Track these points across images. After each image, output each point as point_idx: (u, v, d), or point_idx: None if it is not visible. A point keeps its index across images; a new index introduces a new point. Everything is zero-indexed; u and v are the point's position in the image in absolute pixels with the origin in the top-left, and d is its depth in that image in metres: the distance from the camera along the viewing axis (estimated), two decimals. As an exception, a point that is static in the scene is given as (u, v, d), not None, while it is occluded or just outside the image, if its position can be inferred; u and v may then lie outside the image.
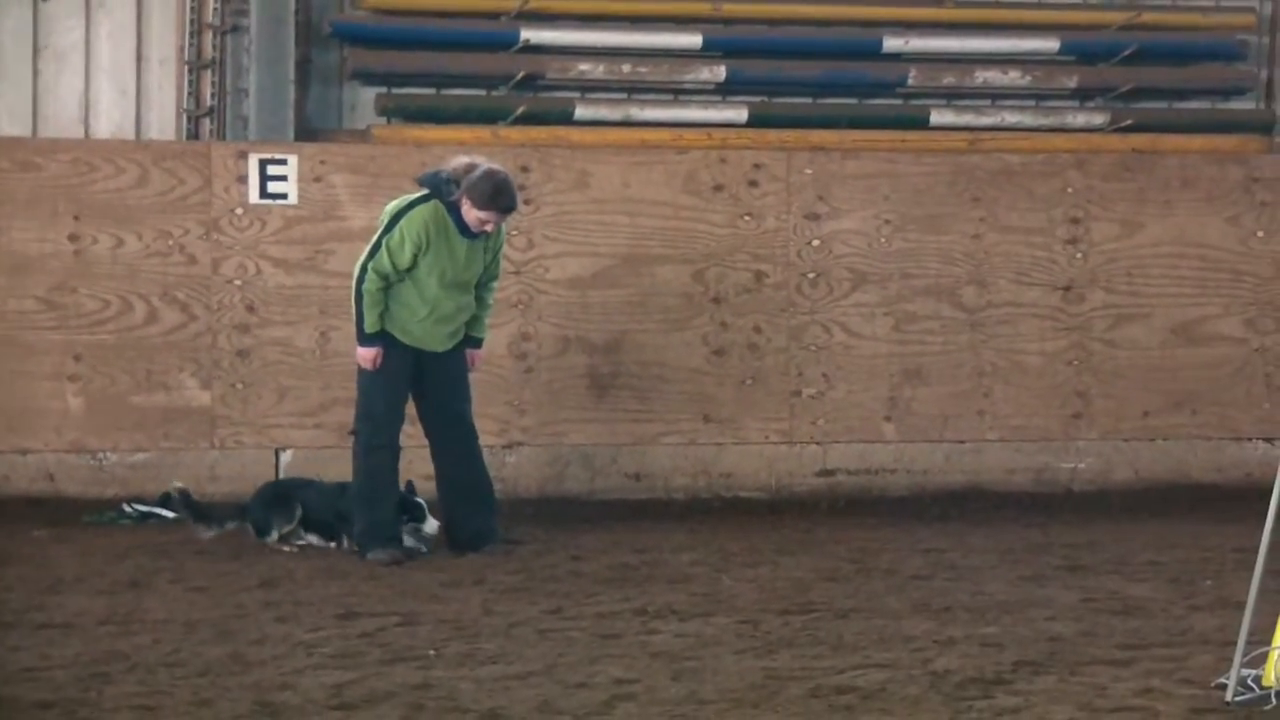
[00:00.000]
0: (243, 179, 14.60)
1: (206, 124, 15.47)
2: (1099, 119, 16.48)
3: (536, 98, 15.95)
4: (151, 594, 11.45)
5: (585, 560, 12.61)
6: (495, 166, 12.36)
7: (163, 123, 15.74)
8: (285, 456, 14.67)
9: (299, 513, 12.83)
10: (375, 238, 12.15)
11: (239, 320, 14.60)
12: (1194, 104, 16.81)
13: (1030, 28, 16.53)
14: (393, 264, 12.01)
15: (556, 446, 14.91)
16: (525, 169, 14.79)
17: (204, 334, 14.56)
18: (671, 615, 10.84)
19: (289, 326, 14.65)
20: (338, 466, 14.45)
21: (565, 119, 15.86)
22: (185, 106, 15.57)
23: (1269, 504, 8.82)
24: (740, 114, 16.02)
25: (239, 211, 14.58)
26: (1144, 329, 15.32)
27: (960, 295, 15.19)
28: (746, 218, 15.02)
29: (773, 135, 15.78)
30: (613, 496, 14.84)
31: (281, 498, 13.01)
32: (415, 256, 12.05)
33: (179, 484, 13.33)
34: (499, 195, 12.04)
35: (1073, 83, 16.54)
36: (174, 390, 14.56)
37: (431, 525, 12.60)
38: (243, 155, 14.70)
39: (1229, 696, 8.67)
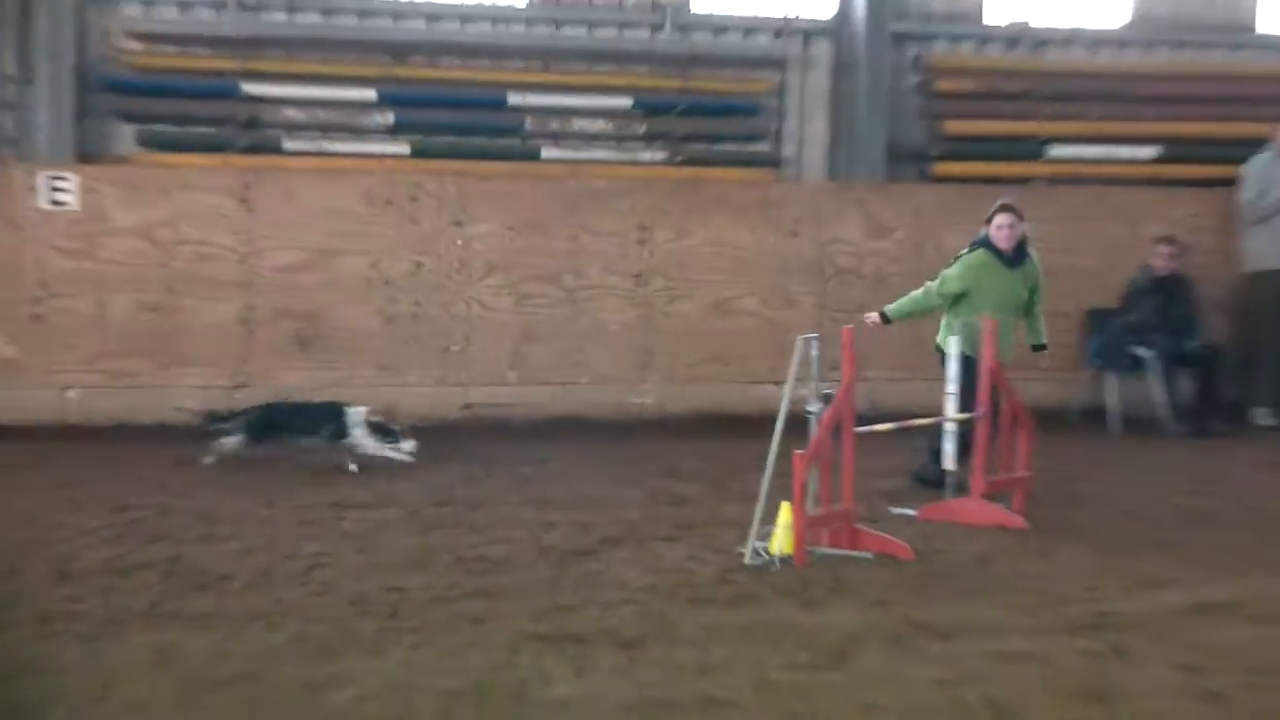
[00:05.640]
0: (32, 190, 14.42)
1: (9, 151, 15.34)
2: (660, 155, 16.72)
3: (255, 134, 15.87)
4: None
5: (294, 467, 12.59)
6: (1004, 201, 11.57)
7: (-28, 150, 15.61)
8: (69, 394, 14.58)
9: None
10: (944, 271, 11.43)
11: (32, 294, 14.49)
12: (727, 146, 17.12)
13: (611, 90, 16.70)
14: (942, 287, 11.31)
15: (275, 387, 14.65)
16: (248, 186, 14.85)
17: (9, 305, 14.48)
18: (356, 507, 11.01)
19: (74, 298, 14.55)
20: (109, 404, 14.59)
21: (276, 149, 15.85)
22: (-12, 137, 15.52)
23: (775, 428, 9.45)
24: (405, 148, 16.10)
25: (32, 214, 14.43)
26: (691, 305, 15.63)
27: (562, 280, 15.41)
28: (410, 223, 15.13)
29: (429, 164, 15.82)
30: (313, 423, 14.72)
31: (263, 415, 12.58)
32: (962, 286, 11.28)
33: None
34: (996, 207, 11.43)
35: (642, 130, 16.77)
36: (-13, 347, 14.42)
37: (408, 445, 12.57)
38: (33, 173, 14.52)
39: (746, 559, 9.20)
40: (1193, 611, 8.61)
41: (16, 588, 8.63)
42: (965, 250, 11.39)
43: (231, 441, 12.41)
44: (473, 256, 15.30)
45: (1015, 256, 11.25)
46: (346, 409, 12.46)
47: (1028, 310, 11.51)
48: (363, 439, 12.44)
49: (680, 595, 8.63)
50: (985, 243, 11.29)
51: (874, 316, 11.32)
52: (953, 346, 10.89)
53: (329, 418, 12.37)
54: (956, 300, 11.27)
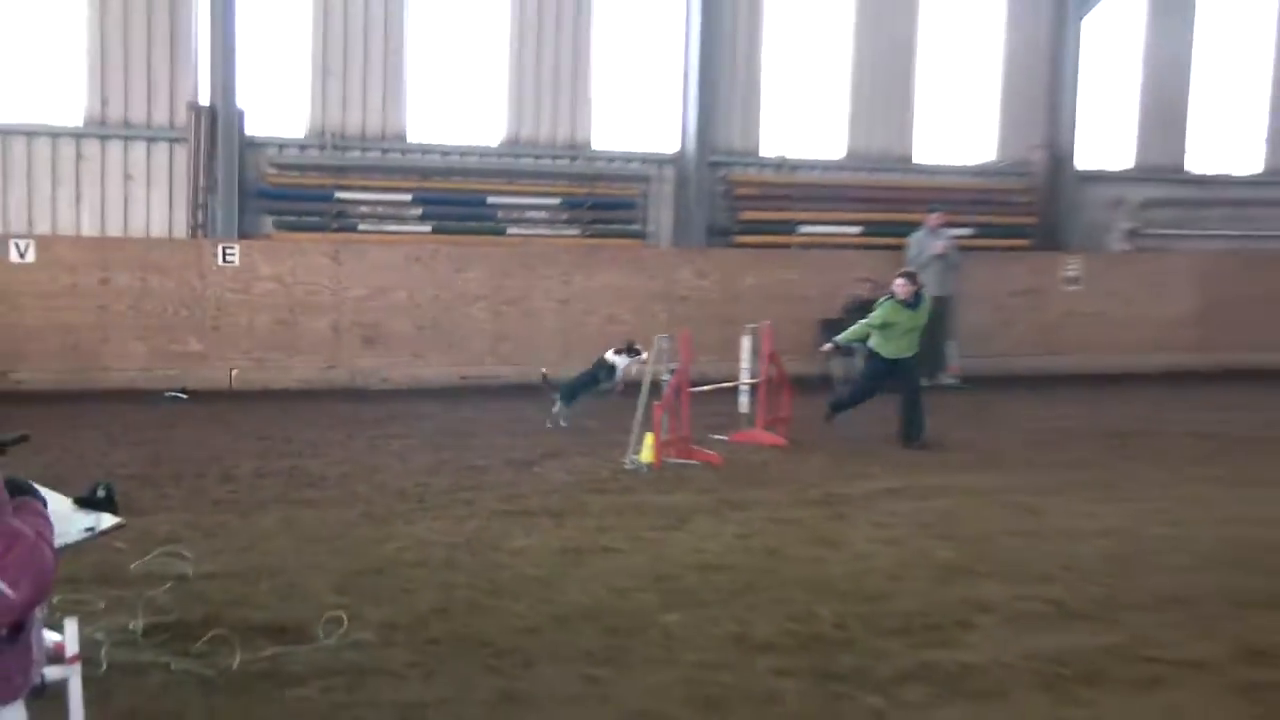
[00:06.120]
0: (214, 254, 14.19)
1: (201, 231, 15.04)
2: (579, 231, 16.42)
3: (342, 220, 15.53)
4: (180, 428, 11.25)
5: (366, 410, 12.33)
6: (905, 269, 11.37)
7: (181, 231, 15.20)
8: (234, 372, 14.22)
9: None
10: (871, 314, 11.02)
11: (213, 314, 14.18)
12: (615, 225, 16.78)
13: (548, 194, 16.35)
14: (869, 323, 10.86)
15: (353, 367, 14.58)
16: (337, 251, 14.66)
17: (200, 320, 14.13)
18: (398, 436, 10.79)
19: (236, 316, 14.24)
20: (256, 378, 14.23)
21: (354, 230, 15.49)
22: (190, 224, 15.10)
23: (643, 388, 9.51)
24: (428, 228, 15.71)
25: (214, 268, 14.15)
26: (595, 318, 15.36)
27: (520, 304, 15.16)
28: (431, 272, 14.86)
29: (443, 238, 15.52)
30: (374, 389, 14.39)
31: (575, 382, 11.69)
32: (882, 323, 10.80)
33: (543, 370, 12.08)
34: (898, 275, 11.07)
35: (565, 217, 16.45)
36: (185, 345, 14.09)
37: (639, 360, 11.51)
38: (215, 244, 14.30)
39: (627, 466, 9.25)
40: (882, 493, 8.69)
41: (199, 485, 8.54)
42: (884, 298, 11.13)
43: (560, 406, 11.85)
44: (468, 290, 15.07)
45: (913, 302, 10.97)
46: (614, 361, 11.80)
47: (922, 331, 11.25)
48: (622, 369, 11.79)
49: (588, 487, 8.69)
50: (892, 296, 11.09)
51: (829, 345, 11.26)
52: (872, 342, 10.99)
53: (608, 369, 11.80)
54: (879, 328, 10.99)
